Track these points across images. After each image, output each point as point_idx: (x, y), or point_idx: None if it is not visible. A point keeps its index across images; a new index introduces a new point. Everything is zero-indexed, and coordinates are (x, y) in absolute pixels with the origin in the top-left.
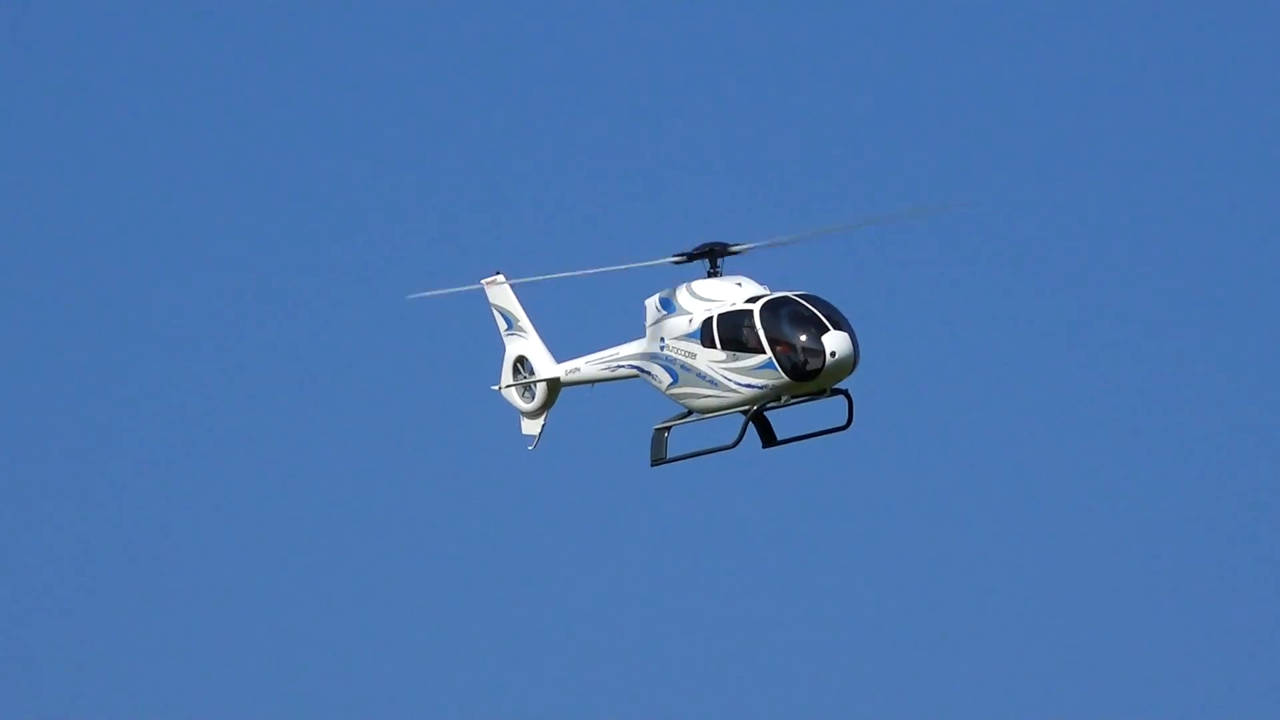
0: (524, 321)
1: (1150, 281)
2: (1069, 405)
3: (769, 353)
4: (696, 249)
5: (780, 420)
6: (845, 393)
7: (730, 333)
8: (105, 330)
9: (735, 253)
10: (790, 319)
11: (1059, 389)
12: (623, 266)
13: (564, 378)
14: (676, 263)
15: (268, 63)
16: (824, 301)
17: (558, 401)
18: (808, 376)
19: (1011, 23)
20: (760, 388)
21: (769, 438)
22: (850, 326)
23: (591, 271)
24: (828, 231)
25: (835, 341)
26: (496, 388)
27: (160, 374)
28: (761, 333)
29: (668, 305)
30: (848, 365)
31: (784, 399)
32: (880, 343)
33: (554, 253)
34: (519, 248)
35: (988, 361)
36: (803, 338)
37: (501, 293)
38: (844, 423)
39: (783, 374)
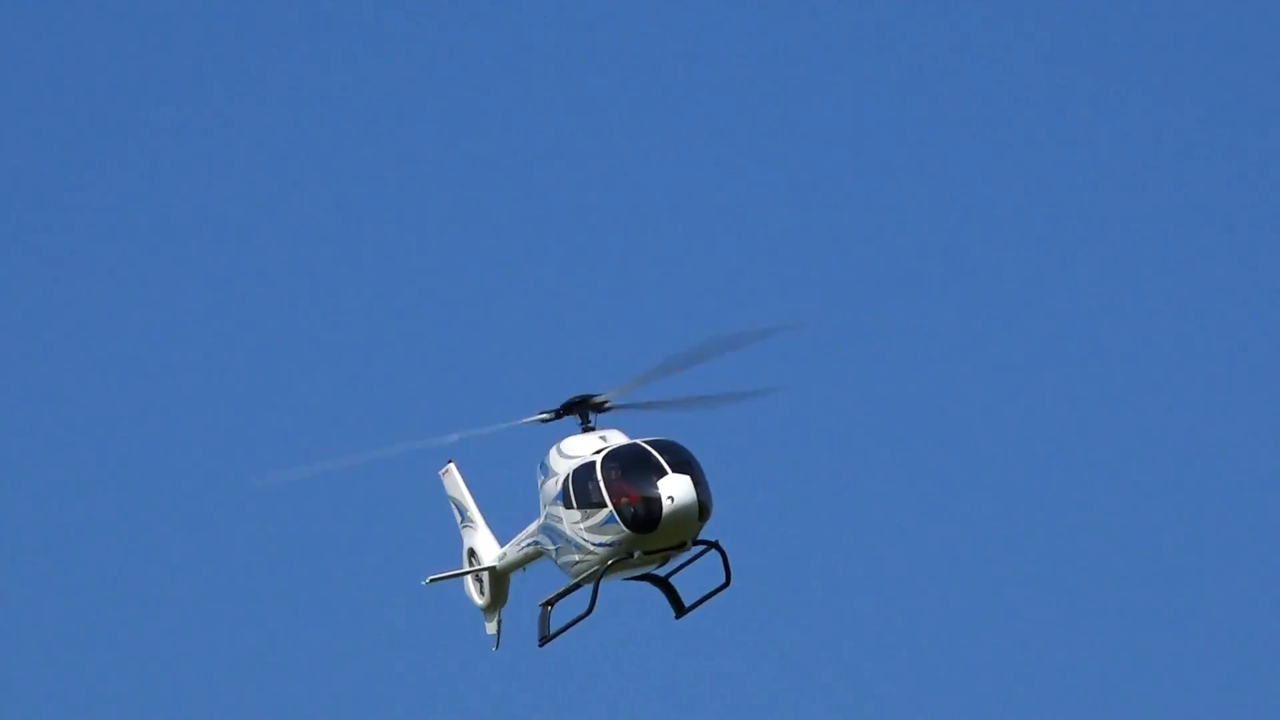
0: (473, 511)
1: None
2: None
3: (609, 505)
4: (563, 404)
5: (679, 583)
6: (714, 545)
7: (580, 489)
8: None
9: (605, 406)
10: (628, 467)
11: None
12: (485, 430)
13: (498, 566)
14: (544, 421)
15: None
16: (674, 446)
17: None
18: (648, 527)
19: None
20: (610, 545)
21: (678, 606)
22: (698, 470)
23: (454, 437)
24: (672, 369)
25: (672, 486)
26: (427, 581)
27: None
28: (602, 485)
29: (543, 469)
30: (691, 513)
31: (639, 557)
32: (765, 488)
33: (417, 415)
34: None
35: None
36: (639, 485)
37: (453, 482)
38: (722, 581)
39: (624, 527)
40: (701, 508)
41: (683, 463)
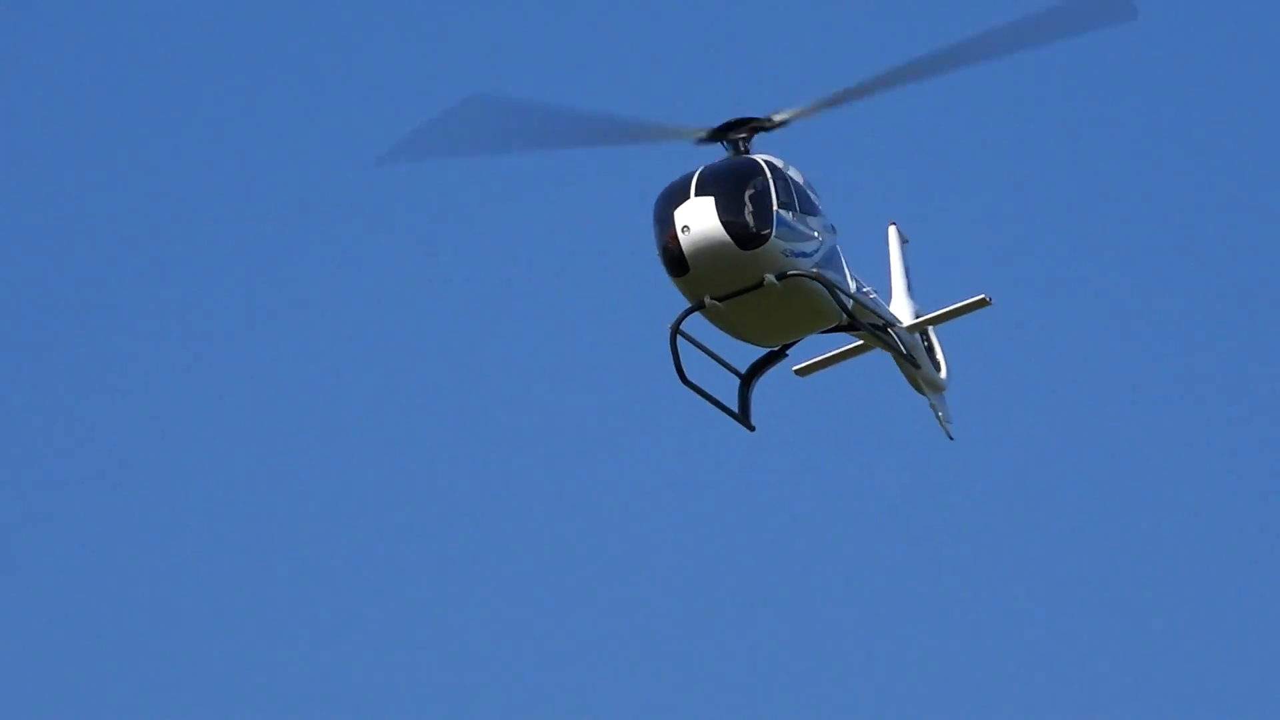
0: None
1: None
2: None
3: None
4: (719, 126)
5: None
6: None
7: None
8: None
9: (773, 124)
10: (665, 198)
11: None
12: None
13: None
14: (698, 141)
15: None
16: (733, 164)
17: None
18: (680, 269)
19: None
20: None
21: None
22: (738, 184)
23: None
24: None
25: (688, 214)
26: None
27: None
28: (653, 224)
29: None
30: (716, 242)
31: (713, 305)
32: None
33: None
34: None
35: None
36: (664, 219)
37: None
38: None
39: (667, 271)
40: (738, 232)
41: (715, 180)
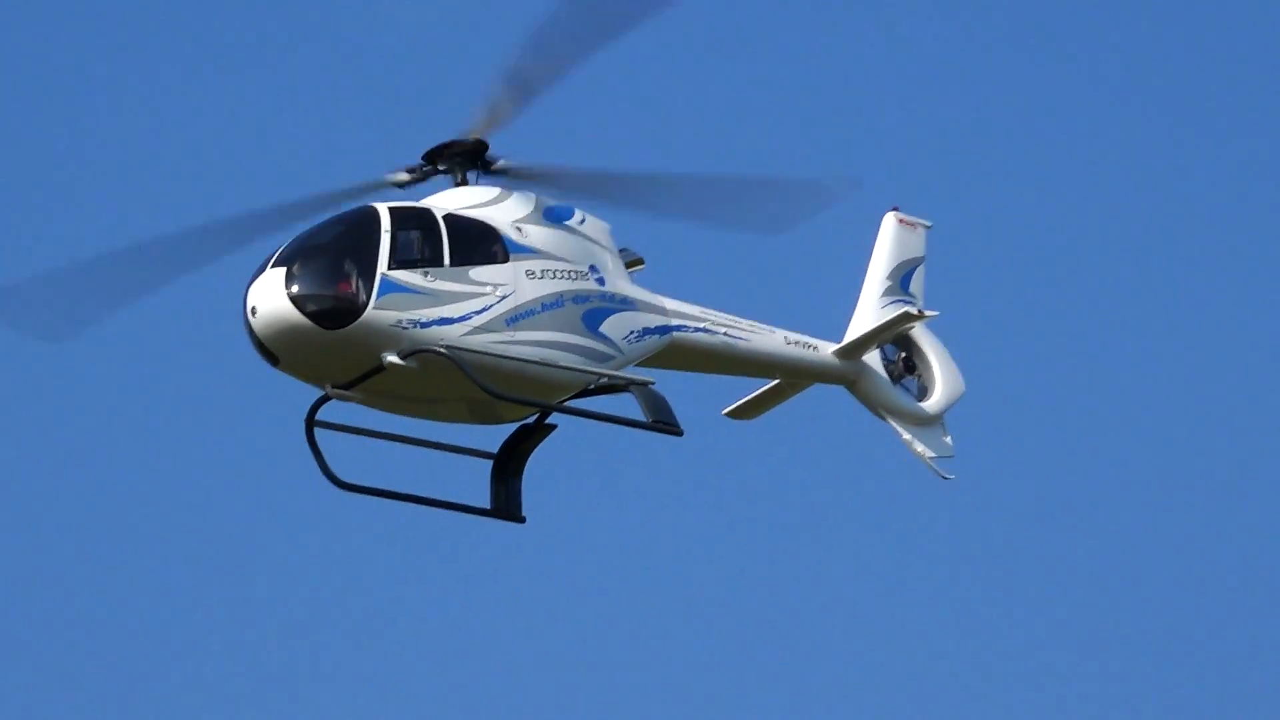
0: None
1: None
2: None
3: None
4: (426, 153)
5: None
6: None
7: None
8: None
9: (494, 165)
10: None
11: None
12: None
13: None
14: (401, 184)
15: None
16: (332, 221)
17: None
18: (269, 358)
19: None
20: None
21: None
22: (327, 257)
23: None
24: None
25: (257, 291)
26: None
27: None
28: None
29: None
30: (286, 325)
31: (333, 391)
32: None
33: None
34: None
35: None
36: (243, 294)
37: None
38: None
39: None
40: (314, 309)
41: (301, 243)
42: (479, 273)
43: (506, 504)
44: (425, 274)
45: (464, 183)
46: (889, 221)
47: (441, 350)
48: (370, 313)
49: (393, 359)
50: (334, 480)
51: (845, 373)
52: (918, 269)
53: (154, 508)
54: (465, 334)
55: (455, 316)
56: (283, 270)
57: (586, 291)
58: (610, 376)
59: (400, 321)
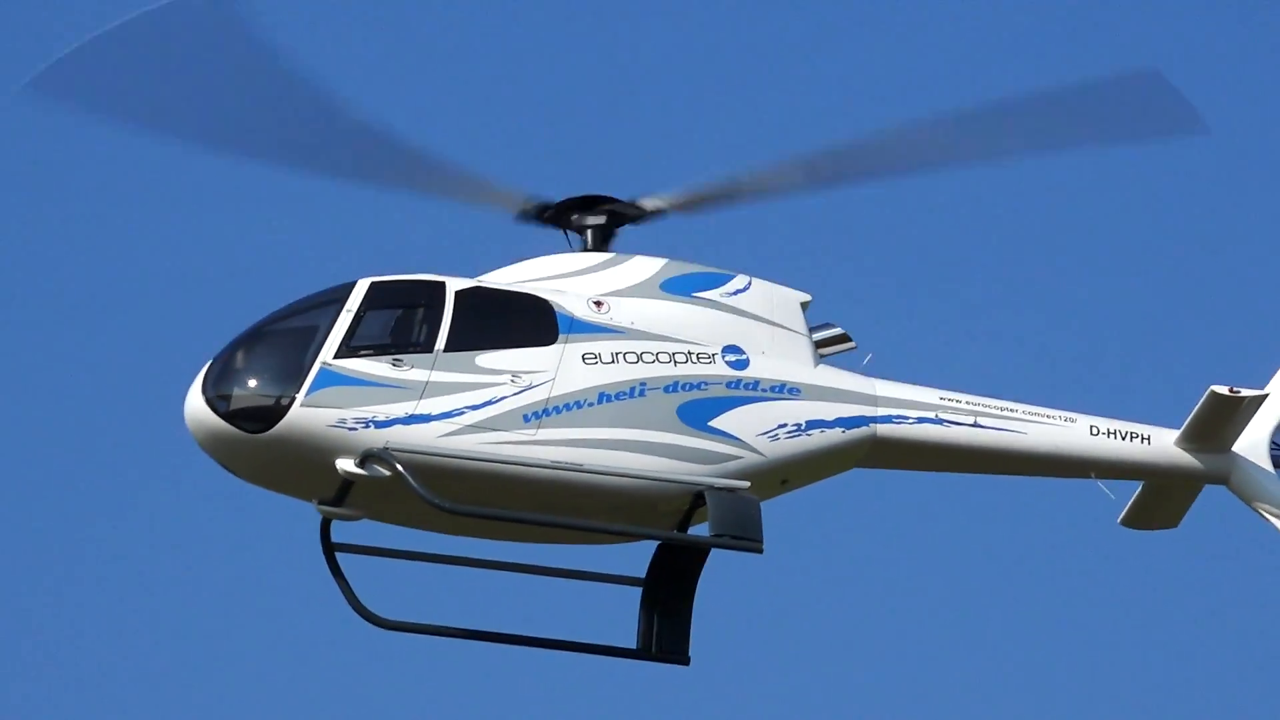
0: None
1: None
2: None
3: None
4: (560, 202)
5: None
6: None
7: None
8: None
9: (643, 215)
10: None
11: None
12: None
13: None
14: (522, 216)
15: None
16: (302, 302)
17: None
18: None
19: None
20: None
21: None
22: (262, 345)
23: None
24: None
25: (189, 397)
26: None
27: None
28: None
29: None
30: (204, 431)
31: (323, 508)
32: None
33: None
34: None
35: None
36: None
37: None
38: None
39: None
40: (226, 410)
41: (243, 337)
42: (492, 358)
43: (651, 641)
44: (395, 362)
45: (599, 246)
46: None
47: (376, 450)
48: (296, 410)
49: (348, 467)
50: (371, 618)
51: (1200, 469)
52: None
53: (163, 680)
54: (449, 433)
55: (435, 413)
56: (210, 365)
57: (692, 377)
58: (683, 482)
59: (343, 421)
